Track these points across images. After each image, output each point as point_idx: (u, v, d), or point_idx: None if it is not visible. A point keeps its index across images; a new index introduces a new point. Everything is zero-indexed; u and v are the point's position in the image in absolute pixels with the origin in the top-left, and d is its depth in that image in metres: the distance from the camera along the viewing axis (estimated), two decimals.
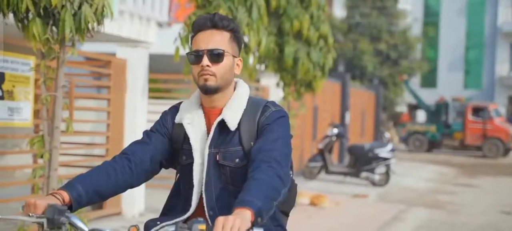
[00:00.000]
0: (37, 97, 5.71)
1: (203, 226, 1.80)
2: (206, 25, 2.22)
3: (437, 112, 24.92)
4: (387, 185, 12.48)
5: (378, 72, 30.53)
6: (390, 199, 11.18)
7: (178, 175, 2.34)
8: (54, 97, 4.42)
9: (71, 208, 2.07)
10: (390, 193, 11.95)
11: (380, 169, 12.43)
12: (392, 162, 12.46)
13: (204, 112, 2.29)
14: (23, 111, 5.48)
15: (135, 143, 2.31)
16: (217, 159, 2.22)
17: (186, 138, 2.26)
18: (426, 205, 10.75)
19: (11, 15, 4.30)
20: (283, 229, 2.30)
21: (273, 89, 11.23)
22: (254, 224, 1.84)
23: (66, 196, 2.07)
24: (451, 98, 25.75)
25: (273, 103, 2.28)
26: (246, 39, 6.89)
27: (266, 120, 2.21)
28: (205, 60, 2.17)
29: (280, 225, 2.27)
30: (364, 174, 12.47)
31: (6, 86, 5.28)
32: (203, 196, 2.21)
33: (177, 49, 6.68)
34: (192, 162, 2.24)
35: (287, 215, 2.38)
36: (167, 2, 9.56)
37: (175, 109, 2.35)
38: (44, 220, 1.92)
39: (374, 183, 12.44)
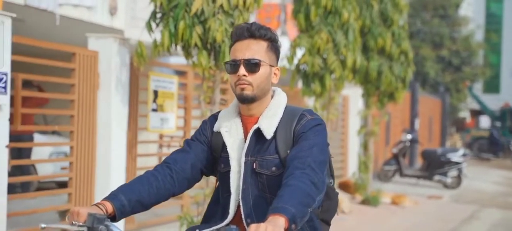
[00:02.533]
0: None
1: None
2: (243, 35, 2.21)
3: (501, 117, 25.29)
4: (459, 188, 13.30)
5: (440, 79, 30.93)
6: (463, 201, 12.00)
7: (218, 182, 2.35)
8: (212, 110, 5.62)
9: (115, 218, 2.10)
10: (462, 195, 12.76)
11: (452, 173, 13.28)
12: (463, 166, 13.28)
13: (241, 121, 2.28)
14: (170, 121, 6.75)
15: (176, 152, 2.33)
16: (254, 167, 2.21)
17: (224, 146, 2.26)
18: (499, 206, 11.53)
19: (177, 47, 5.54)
20: None
21: (353, 98, 12.28)
22: (287, 230, 1.85)
23: (109, 206, 2.09)
24: None
25: (309, 111, 2.25)
26: (342, 58, 7.97)
27: (302, 128, 2.19)
28: (242, 70, 2.17)
29: None
30: (437, 177, 13.33)
31: (159, 101, 6.56)
32: (241, 203, 2.21)
33: (284, 69, 7.81)
34: (230, 170, 2.24)
35: (328, 223, 2.36)
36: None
37: (214, 118, 2.36)
38: (85, 229, 1.97)
39: (446, 186, 13.29)
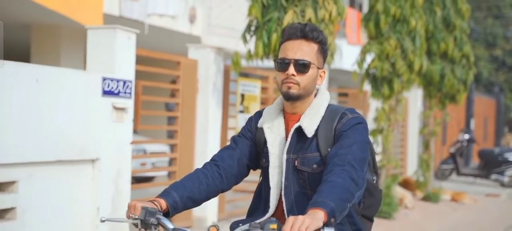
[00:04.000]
0: None
1: (275, 226, 1.89)
2: (296, 35, 2.23)
3: None
4: None
5: (493, 79, 30.83)
6: None
7: (261, 177, 2.41)
8: None
9: (168, 213, 2.18)
10: None
11: (509, 172, 13.61)
12: None
13: (284, 118, 2.32)
14: None
15: (224, 149, 2.41)
16: (296, 164, 2.25)
17: (266, 142, 2.32)
18: None
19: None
20: None
21: (412, 99, 12.77)
22: (326, 224, 1.87)
23: (163, 203, 2.17)
24: None
25: (351, 110, 2.28)
26: (409, 62, 8.51)
27: (343, 126, 2.21)
28: (291, 69, 2.19)
29: (359, 229, 2.29)
30: (494, 176, 13.70)
31: (245, 103, 7.28)
32: (283, 199, 2.26)
33: (355, 73, 8.42)
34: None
35: (371, 220, 2.40)
36: None
37: (258, 114, 2.41)
38: (138, 221, 2.09)
39: (503, 184, 13.63)
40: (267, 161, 2.30)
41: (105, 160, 5.11)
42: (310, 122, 2.23)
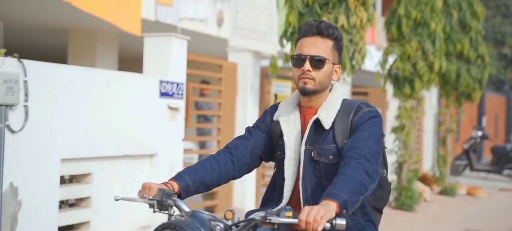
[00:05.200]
0: None
1: (290, 213, 1.94)
2: (311, 32, 2.29)
3: None
4: None
5: (502, 76, 31.17)
6: None
7: (275, 169, 2.46)
8: None
9: (180, 196, 2.25)
10: None
11: None
12: None
13: (300, 112, 2.38)
14: None
15: (238, 138, 2.47)
16: (312, 155, 2.30)
17: (281, 135, 2.36)
18: None
19: None
20: (373, 224, 2.35)
21: (427, 98, 13.25)
22: (338, 215, 1.93)
23: (175, 186, 2.24)
24: None
25: (366, 104, 2.34)
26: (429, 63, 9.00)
27: (359, 119, 2.27)
28: (307, 65, 2.25)
29: (370, 220, 2.34)
30: (506, 171, 14.17)
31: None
32: (300, 189, 2.31)
33: (378, 74, 8.91)
34: (285, 157, 2.35)
35: (380, 211, 2.45)
36: None
37: (274, 107, 2.46)
38: (155, 202, 2.14)
39: None
40: (283, 153, 2.36)
41: (161, 155, 5.63)
42: (327, 115, 2.30)
